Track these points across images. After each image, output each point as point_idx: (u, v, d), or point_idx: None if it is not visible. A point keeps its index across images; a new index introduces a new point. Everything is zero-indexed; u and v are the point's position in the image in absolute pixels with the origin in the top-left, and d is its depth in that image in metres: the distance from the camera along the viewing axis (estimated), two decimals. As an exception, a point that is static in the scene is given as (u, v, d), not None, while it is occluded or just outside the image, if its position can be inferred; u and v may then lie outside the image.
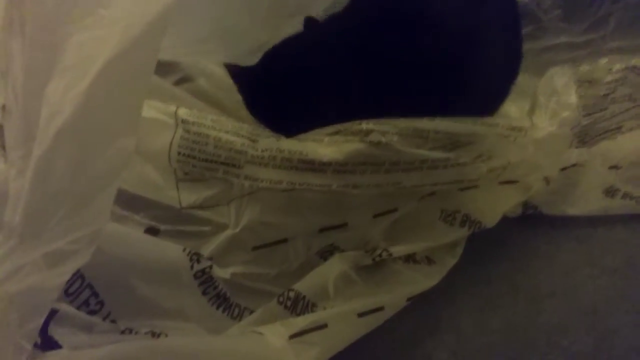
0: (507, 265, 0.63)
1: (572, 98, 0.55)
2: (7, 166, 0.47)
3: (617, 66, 0.55)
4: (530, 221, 0.65)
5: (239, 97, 0.71)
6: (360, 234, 0.58)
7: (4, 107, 0.51)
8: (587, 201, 0.65)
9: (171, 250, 0.54)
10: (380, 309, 0.54)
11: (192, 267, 0.54)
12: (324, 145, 0.53)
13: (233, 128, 0.54)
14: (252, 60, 0.70)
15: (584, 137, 0.58)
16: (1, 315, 0.44)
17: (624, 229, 0.65)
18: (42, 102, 0.43)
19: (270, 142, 0.53)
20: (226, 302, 0.54)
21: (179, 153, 0.53)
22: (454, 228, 0.60)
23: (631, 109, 0.57)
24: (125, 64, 0.43)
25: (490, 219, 0.60)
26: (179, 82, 0.67)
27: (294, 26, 0.65)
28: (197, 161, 0.53)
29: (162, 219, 0.55)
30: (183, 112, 0.53)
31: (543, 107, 0.56)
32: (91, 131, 0.44)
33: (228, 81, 0.72)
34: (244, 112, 0.69)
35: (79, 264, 0.45)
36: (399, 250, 0.59)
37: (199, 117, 0.53)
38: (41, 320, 0.45)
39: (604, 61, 0.55)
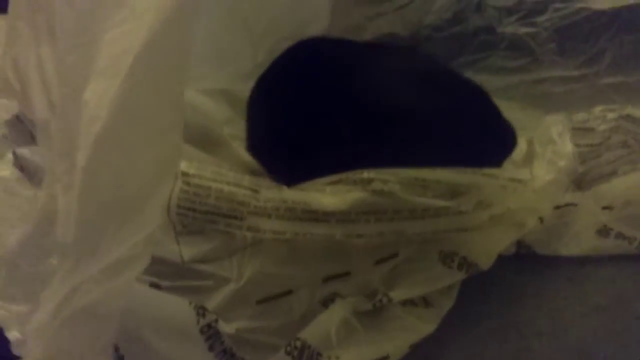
0: (497, 303, 0.64)
1: (568, 147, 0.56)
2: (51, 183, 0.44)
3: (611, 115, 0.56)
4: (520, 258, 0.67)
5: (229, 132, 0.71)
6: (362, 280, 0.58)
7: (17, 117, 0.49)
8: (580, 241, 0.66)
9: (178, 304, 0.53)
10: (385, 357, 0.54)
11: (198, 321, 0.52)
12: (327, 195, 0.53)
13: (234, 179, 0.53)
14: (246, 85, 0.70)
15: (580, 182, 0.60)
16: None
17: (613, 267, 0.67)
18: (81, 109, 0.41)
19: (273, 193, 0.53)
20: (233, 357, 0.53)
21: (178, 206, 0.52)
22: (452, 271, 0.60)
23: (626, 155, 0.59)
24: (157, 53, 0.41)
25: (486, 261, 0.60)
26: None
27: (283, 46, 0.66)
28: (198, 214, 0.52)
29: (162, 275, 0.53)
30: (183, 165, 0.52)
31: (540, 156, 0.57)
32: (133, 131, 0.43)
33: (218, 116, 0.72)
34: (235, 147, 0.69)
35: (139, 269, 0.44)
36: (398, 294, 0.59)
37: (199, 169, 0.53)
38: (112, 332, 0.43)
39: (598, 109, 0.56)
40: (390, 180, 0.53)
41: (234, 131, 0.71)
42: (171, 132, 0.45)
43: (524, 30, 0.77)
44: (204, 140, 0.67)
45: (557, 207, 0.64)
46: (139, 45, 0.41)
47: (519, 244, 0.66)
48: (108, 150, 0.42)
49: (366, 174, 0.53)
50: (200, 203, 0.52)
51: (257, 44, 0.72)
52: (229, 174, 0.53)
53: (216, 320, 0.53)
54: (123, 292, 0.45)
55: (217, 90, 0.71)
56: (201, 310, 0.53)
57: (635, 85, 0.73)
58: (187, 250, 0.54)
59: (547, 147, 0.57)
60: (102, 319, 0.45)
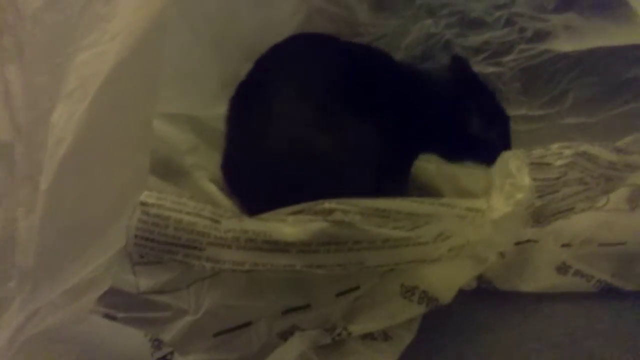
0: (455, 338, 0.64)
1: (526, 180, 0.57)
2: (10, 206, 0.44)
3: (567, 151, 0.58)
4: (479, 293, 0.67)
5: (192, 161, 0.71)
6: (322, 313, 0.57)
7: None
8: (539, 277, 0.66)
9: (133, 336, 0.51)
10: (341, 394, 0.53)
11: (152, 353, 0.51)
12: (288, 225, 0.53)
13: (195, 209, 0.53)
14: (212, 109, 0.70)
15: (538, 217, 0.60)
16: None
17: (569, 304, 0.67)
18: (48, 131, 0.40)
19: (234, 223, 0.52)
20: (188, 391, 0.52)
21: (136, 236, 0.51)
22: (412, 305, 0.60)
23: (582, 192, 0.60)
24: (127, 77, 0.41)
25: (446, 295, 0.60)
26: None
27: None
28: (156, 244, 0.51)
29: (118, 306, 0.52)
30: (142, 194, 0.52)
31: (498, 188, 0.58)
32: (99, 156, 0.42)
33: (180, 145, 0.72)
34: (198, 177, 0.68)
35: (99, 292, 0.43)
36: (358, 328, 0.58)
37: (159, 199, 0.52)
38: (72, 356, 0.42)
39: (555, 146, 0.58)
40: (351, 210, 0.53)
41: (198, 160, 0.71)
42: (137, 157, 0.44)
43: (490, 69, 0.79)
44: (165, 169, 0.67)
45: (518, 243, 0.64)
46: (109, 69, 0.41)
47: (480, 278, 0.66)
48: (72, 173, 0.41)
49: (327, 204, 0.53)
50: (159, 233, 0.51)
51: (223, 65, 0.73)
52: (189, 203, 0.53)
53: (172, 353, 0.52)
54: (83, 316, 0.44)
55: (182, 116, 0.71)
56: (157, 342, 0.52)
57: (596, 126, 0.76)
58: (143, 281, 0.53)
59: (505, 180, 0.57)
60: (61, 343, 0.44)
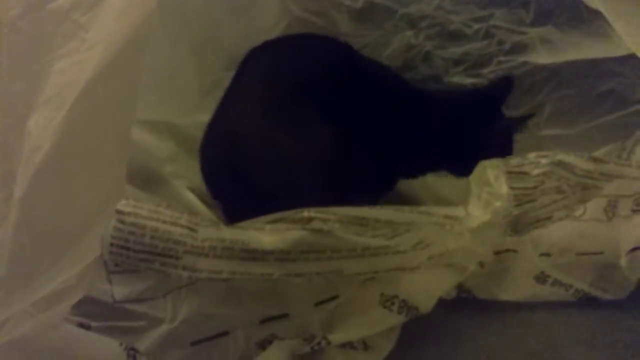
0: (434, 348, 0.65)
1: (503, 189, 0.57)
2: None
3: (544, 160, 0.58)
4: (459, 302, 0.67)
5: (171, 169, 0.71)
6: (301, 322, 0.57)
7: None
8: (519, 287, 0.67)
9: (108, 346, 0.51)
10: (320, 402, 0.53)
11: (128, 364, 0.51)
12: (266, 233, 0.52)
13: (171, 218, 0.52)
14: (191, 117, 0.70)
15: (516, 225, 0.61)
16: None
17: (547, 313, 0.68)
18: (23, 139, 0.40)
19: (211, 232, 0.52)
20: (163, 401, 0.51)
21: (111, 244, 0.50)
22: (392, 314, 0.60)
23: (559, 200, 0.60)
24: (105, 86, 0.41)
25: (426, 305, 0.60)
26: None
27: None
28: (132, 252, 0.51)
29: (92, 315, 0.51)
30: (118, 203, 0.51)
31: (476, 197, 0.58)
32: (75, 164, 0.42)
33: (159, 153, 0.71)
34: (176, 186, 0.68)
35: (72, 302, 0.42)
36: (337, 337, 0.58)
37: (135, 207, 0.51)
38: None
39: (532, 155, 0.58)
40: (330, 219, 0.53)
41: (177, 169, 0.71)
42: (114, 165, 0.44)
43: (469, 80, 0.80)
44: (144, 178, 0.67)
45: (497, 253, 0.65)
46: (88, 77, 0.41)
47: (460, 287, 0.66)
48: (48, 182, 0.41)
49: (306, 212, 0.53)
50: (135, 242, 0.51)
51: (203, 74, 0.73)
52: (166, 212, 0.52)
53: (148, 363, 0.51)
54: (55, 325, 0.43)
55: (161, 123, 0.72)
56: (132, 352, 0.51)
57: (573, 138, 0.77)
58: (119, 290, 0.52)
59: (483, 188, 0.58)
60: (32, 352, 0.43)
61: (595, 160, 0.59)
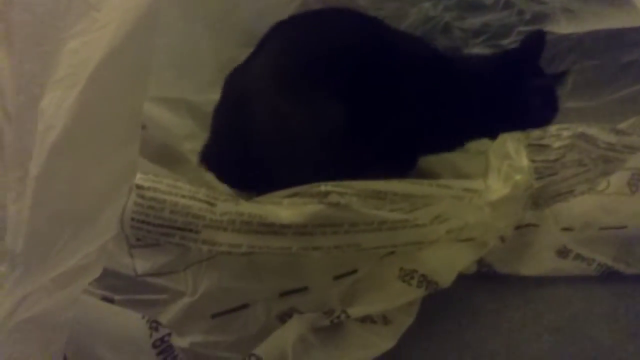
0: (454, 323, 0.65)
1: (524, 162, 0.57)
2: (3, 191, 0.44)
3: (566, 133, 0.57)
4: (479, 277, 0.67)
5: (190, 147, 0.71)
6: (320, 296, 0.57)
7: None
8: (540, 261, 0.66)
9: (131, 318, 0.51)
10: (341, 376, 0.53)
11: (151, 335, 0.51)
12: (283, 207, 0.53)
13: (190, 192, 0.52)
14: (208, 95, 0.70)
15: (538, 199, 0.60)
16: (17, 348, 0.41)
17: (569, 288, 0.68)
18: (38, 117, 0.41)
19: (229, 206, 0.52)
20: (186, 371, 0.52)
21: (132, 219, 0.51)
22: (411, 288, 0.60)
23: (581, 173, 0.59)
24: (117, 65, 0.41)
25: (446, 279, 0.60)
26: None
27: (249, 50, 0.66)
28: (152, 227, 0.51)
29: (115, 289, 0.52)
30: (137, 178, 0.51)
31: (496, 170, 0.57)
32: (89, 142, 0.42)
33: (178, 131, 0.72)
34: (195, 162, 0.69)
35: (90, 279, 0.43)
36: (356, 311, 0.58)
37: (154, 182, 0.52)
38: (62, 341, 0.42)
39: (553, 128, 0.57)
40: (347, 192, 0.53)
41: (195, 146, 0.71)
42: (128, 144, 0.44)
43: (489, 51, 0.79)
44: (164, 156, 0.67)
45: (518, 227, 0.64)
46: (100, 56, 0.41)
47: (480, 262, 0.66)
48: (63, 160, 0.41)
49: (323, 187, 0.53)
50: (155, 216, 0.51)
51: (220, 51, 0.73)
52: (185, 186, 0.53)
53: (170, 334, 0.52)
54: (74, 302, 0.44)
55: (179, 101, 0.72)
56: (154, 324, 0.52)
57: (596, 110, 0.76)
58: (141, 264, 0.53)
59: (503, 161, 0.57)
60: (51, 328, 0.44)
61: (618, 132, 0.58)
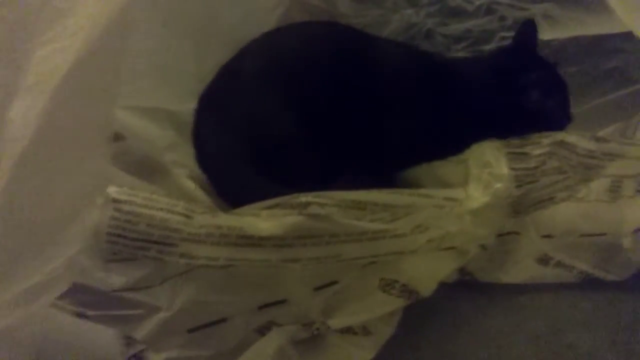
0: (436, 333, 0.64)
1: (504, 170, 0.57)
2: None
3: (545, 140, 0.57)
4: (460, 286, 0.67)
5: (172, 158, 0.70)
6: (300, 308, 0.57)
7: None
8: (521, 269, 0.66)
9: (104, 335, 0.50)
10: (320, 390, 0.53)
11: (123, 352, 0.50)
12: (262, 219, 0.52)
13: (167, 205, 0.51)
14: (190, 104, 0.69)
15: (518, 207, 0.60)
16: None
17: (550, 296, 0.68)
18: (5, 127, 0.40)
19: (207, 219, 0.51)
20: (161, 388, 0.51)
21: (108, 233, 0.50)
22: (392, 298, 0.59)
23: (561, 180, 0.59)
24: (87, 73, 0.40)
25: (427, 288, 0.60)
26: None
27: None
28: (129, 241, 0.50)
29: (89, 304, 0.51)
30: (114, 191, 0.51)
31: (476, 178, 0.57)
32: (57, 153, 0.41)
33: (159, 142, 0.71)
34: (176, 175, 0.68)
35: (57, 294, 0.42)
36: (337, 322, 0.58)
37: (130, 195, 0.51)
38: (29, 358, 0.40)
39: (533, 135, 0.57)
40: (328, 203, 0.53)
41: (177, 157, 0.70)
42: (97, 154, 0.43)
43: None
44: (144, 167, 0.66)
45: (499, 235, 0.64)
46: (69, 64, 0.40)
47: (461, 271, 0.66)
48: (29, 172, 0.40)
49: (303, 197, 0.52)
50: (131, 230, 0.50)
51: (201, 59, 0.72)
52: (162, 199, 0.52)
53: (144, 350, 0.51)
54: (41, 316, 0.43)
55: (160, 111, 0.71)
56: (128, 340, 0.51)
57: (577, 117, 0.75)
58: (116, 278, 0.51)
59: (483, 169, 0.57)
60: (17, 344, 0.43)
61: (598, 139, 0.58)
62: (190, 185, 0.66)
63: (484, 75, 0.68)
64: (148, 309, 0.52)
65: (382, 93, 0.65)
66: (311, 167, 0.62)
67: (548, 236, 0.65)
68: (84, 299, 0.50)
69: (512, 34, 0.76)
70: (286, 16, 0.75)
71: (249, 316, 0.55)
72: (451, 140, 0.64)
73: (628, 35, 0.69)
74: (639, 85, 0.73)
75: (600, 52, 0.73)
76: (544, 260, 0.66)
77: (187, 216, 0.51)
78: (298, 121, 0.62)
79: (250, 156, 0.61)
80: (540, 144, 0.57)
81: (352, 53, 0.65)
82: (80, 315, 0.50)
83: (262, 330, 0.56)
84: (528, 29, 0.67)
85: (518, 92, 0.65)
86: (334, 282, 0.57)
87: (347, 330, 0.59)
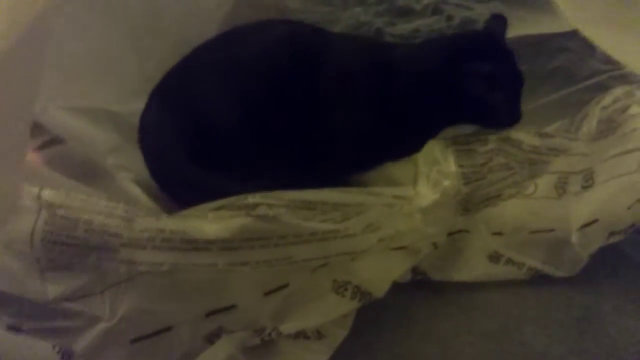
0: (388, 335, 0.64)
1: (452, 167, 0.57)
2: None
3: (492, 137, 0.58)
4: (413, 285, 0.66)
5: (115, 161, 0.68)
6: (250, 314, 0.55)
7: None
8: (472, 267, 0.66)
9: (40, 349, 0.47)
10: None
11: (62, 365, 0.48)
12: (208, 221, 0.50)
13: (106, 208, 0.49)
14: (134, 104, 0.67)
15: (467, 204, 0.60)
16: None
17: (501, 294, 0.68)
18: None
19: (149, 222, 0.49)
20: (101, 403, 0.49)
21: (43, 240, 0.47)
22: (345, 300, 0.58)
23: (508, 177, 0.60)
24: (5, 73, 0.38)
25: (380, 289, 0.60)
26: (46, 145, 0.63)
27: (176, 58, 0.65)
28: (65, 247, 0.48)
29: (25, 316, 0.48)
30: (48, 194, 0.48)
31: (425, 176, 0.57)
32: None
33: (101, 145, 0.68)
34: (120, 179, 0.65)
35: None
36: (289, 327, 0.57)
37: (67, 199, 0.49)
38: None
39: (479, 132, 0.57)
40: (276, 204, 0.51)
41: (120, 161, 0.68)
42: (14, 155, 0.41)
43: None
44: (85, 171, 0.64)
45: (450, 234, 0.64)
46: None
47: (414, 270, 0.65)
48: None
49: (251, 198, 0.51)
50: (68, 236, 0.48)
51: (143, 60, 0.70)
52: (101, 202, 0.49)
53: (85, 364, 0.48)
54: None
55: (101, 111, 0.69)
56: (65, 354, 0.48)
57: (524, 115, 0.76)
58: (52, 288, 0.49)
59: (431, 167, 0.57)
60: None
61: (542, 135, 0.59)
62: (135, 189, 0.64)
63: (437, 57, 0.64)
64: (88, 319, 0.50)
65: (332, 93, 0.64)
66: (261, 168, 0.60)
67: (498, 233, 0.65)
68: (18, 310, 0.47)
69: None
70: (234, 13, 0.73)
71: (196, 324, 0.53)
72: (406, 136, 0.64)
73: (572, 35, 0.71)
74: (583, 83, 0.75)
75: (546, 51, 0.74)
76: (494, 258, 0.67)
77: (128, 220, 0.49)
78: (248, 120, 0.61)
79: (199, 155, 0.59)
80: (487, 141, 0.58)
81: (308, 53, 0.65)
82: (13, 328, 0.47)
83: (211, 338, 0.54)
84: (497, 21, 0.66)
85: (467, 78, 0.61)
86: (284, 286, 0.56)
87: (300, 335, 0.58)
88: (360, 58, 0.66)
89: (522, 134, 0.58)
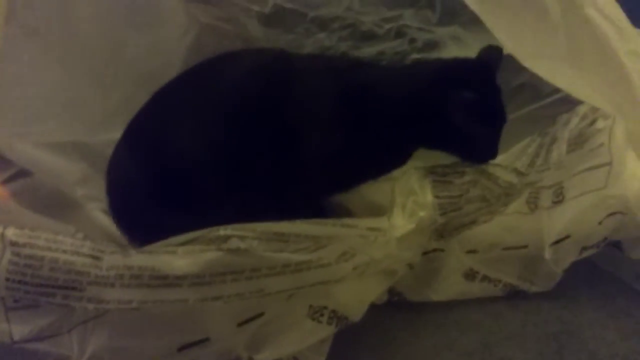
0: (368, 356, 0.63)
1: (428, 198, 0.57)
2: None
3: (470, 169, 0.58)
4: (391, 306, 0.66)
5: (84, 192, 0.67)
6: (224, 345, 0.54)
7: None
8: (449, 286, 0.67)
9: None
10: None
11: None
12: (178, 256, 0.49)
13: (72, 246, 0.48)
14: (99, 136, 0.66)
15: (442, 232, 0.61)
16: None
17: (479, 311, 0.68)
18: None
19: (117, 259, 0.48)
20: None
21: (7, 279, 0.46)
22: (322, 326, 0.58)
23: (484, 207, 0.60)
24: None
25: (356, 313, 0.59)
26: (13, 178, 0.63)
27: (142, 95, 0.64)
28: (31, 287, 0.47)
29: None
30: (12, 233, 0.47)
31: (400, 206, 0.57)
32: None
33: (69, 176, 0.67)
34: (90, 210, 0.65)
35: None
36: (265, 356, 0.56)
37: (31, 237, 0.48)
38: None
39: (457, 164, 0.58)
40: (248, 236, 0.50)
41: (89, 191, 0.67)
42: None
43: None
44: (54, 203, 0.63)
45: (425, 253, 0.64)
46: None
47: (390, 291, 0.65)
48: None
49: (222, 230, 0.50)
50: (33, 275, 0.47)
51: (108, 92, 0.70)
52: (67, 240, 0.48)
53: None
54: None
55: (69, 144, 0.68)
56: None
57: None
58: (18, 328, 0.48)
59: (408, 197, 0.57)
60: None
61: (519, 173, 0.60)
62: (105, 219, 0.64)
63: (425, 80, 0.63)
64: (55, 359, 0.48)
65: (306, 114, 0.63)
66: (228, 201, 0.60)
67: (472, 251, 0.66)
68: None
69: (422, 55, 0.78)
70: (197, 43, 0.73)
71: (168, 359, 0.52)
72: (382, 157, 0.63)
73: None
74: (546, 100, 0.76)
75: (510, 68, 0.74)
76: (470, 275, 0.67)
77: (94, 257, 0.48)
78: (216, 157, 0.60)
79: (163, 194, 0.59)
80: (464, 173, 0.58)
81: (277, 79, 0.64)
82: (-23, 374, 0.46)
83: (185, 373, 0.53)
84: (492, 51, 0.65)
85: (451, 105, 0.60)
86: (259, 315, 0.55)
87: (276, 362, 0.57)
88: (333, 78, 0.65)
89: (498, 170, 0.59)
